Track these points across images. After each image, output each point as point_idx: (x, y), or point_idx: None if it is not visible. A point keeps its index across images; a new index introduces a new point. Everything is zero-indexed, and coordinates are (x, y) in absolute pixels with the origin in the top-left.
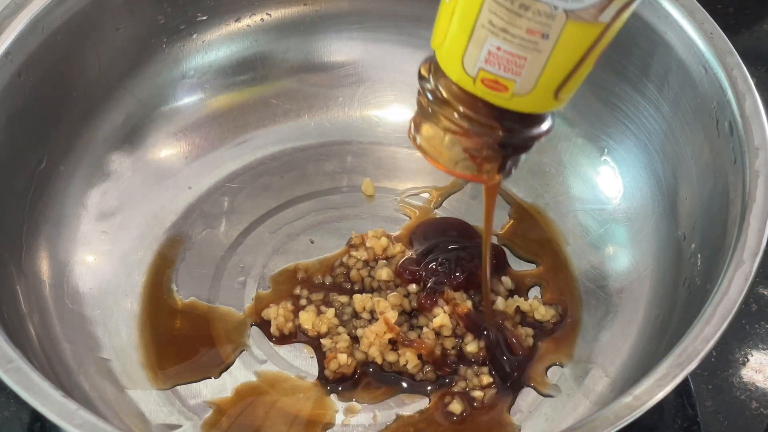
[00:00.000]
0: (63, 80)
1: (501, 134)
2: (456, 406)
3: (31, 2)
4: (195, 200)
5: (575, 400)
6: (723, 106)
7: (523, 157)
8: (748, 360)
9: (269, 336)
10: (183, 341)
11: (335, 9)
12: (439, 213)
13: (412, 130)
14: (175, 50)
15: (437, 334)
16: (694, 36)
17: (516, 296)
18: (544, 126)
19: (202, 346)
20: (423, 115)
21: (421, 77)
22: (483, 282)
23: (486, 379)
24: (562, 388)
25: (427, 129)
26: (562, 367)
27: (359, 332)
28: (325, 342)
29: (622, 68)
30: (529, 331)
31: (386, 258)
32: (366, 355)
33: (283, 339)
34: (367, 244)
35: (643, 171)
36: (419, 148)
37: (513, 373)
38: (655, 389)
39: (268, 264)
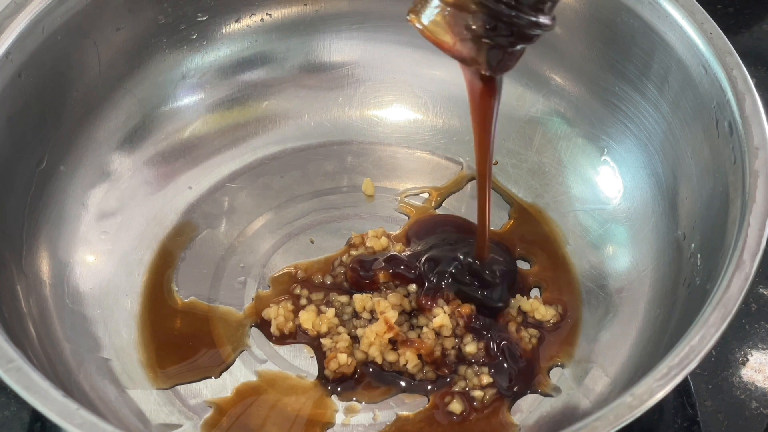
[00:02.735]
0: (63, 80)
1: (504, 9)
2: (456, 406)
3: (31, 2)
4: (195, 200)
5: (575, 400)
6: (723, 106)
7: (520, 47)
8: (748, 360)
9: (269, 336)
10: (183, 341)
11: (335, 9)
12: (439, 213)
13: (413, 11)
14: (175, 50)
15: (437, 334)
16: (694, 36)
17: (517, 296)
18: (546, 18)
19: (202, 345)
20: None
21: None
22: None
23: (486, 379)
24: (562, 388)
25: (430, 4)
26: (562, 367)
27: (359, 332)
28: (325, 342)
29: (622, 68)
30: (534, 332)
31: None
32: (366, 354)
33: (283, 339)
34: (367, 244)
35: (642, 171)
36: (421, 26)
37: (515, 385)
38: (655, 389)
39: (268, 264)
